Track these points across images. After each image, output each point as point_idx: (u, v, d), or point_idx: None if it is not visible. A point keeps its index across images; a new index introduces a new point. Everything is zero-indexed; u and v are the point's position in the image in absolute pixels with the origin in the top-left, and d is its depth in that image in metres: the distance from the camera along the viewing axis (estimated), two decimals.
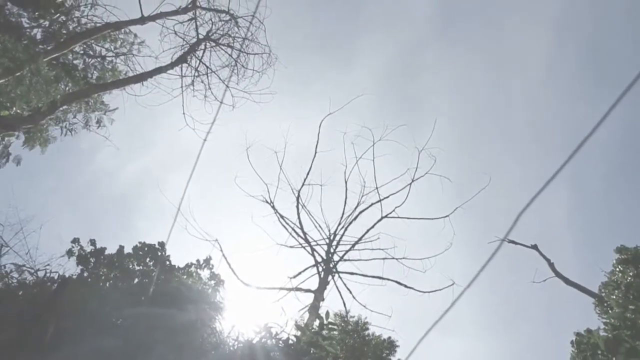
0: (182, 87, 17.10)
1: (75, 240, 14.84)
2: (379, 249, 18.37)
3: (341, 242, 18.71)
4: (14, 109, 14.15)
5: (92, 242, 15.05)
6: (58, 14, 14.20)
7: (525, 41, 36.21)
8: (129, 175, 37.13)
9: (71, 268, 14.40)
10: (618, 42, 34.10)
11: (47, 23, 14.36)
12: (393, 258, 18.16)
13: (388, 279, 17.87)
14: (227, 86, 17.05)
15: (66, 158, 31.50)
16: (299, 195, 18.82)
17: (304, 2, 33.48)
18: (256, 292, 17.48)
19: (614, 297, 16.25)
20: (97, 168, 34.79)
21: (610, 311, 15.44)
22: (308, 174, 18.95)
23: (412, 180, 18.80)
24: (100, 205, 36.77)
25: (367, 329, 20.12)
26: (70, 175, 35.03)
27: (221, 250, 16.76)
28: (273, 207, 18.84)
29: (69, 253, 14.34)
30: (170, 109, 17.44)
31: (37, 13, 13.20)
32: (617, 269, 17.23)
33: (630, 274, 16.33)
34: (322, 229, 18.79)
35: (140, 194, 40.38)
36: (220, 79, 17.41)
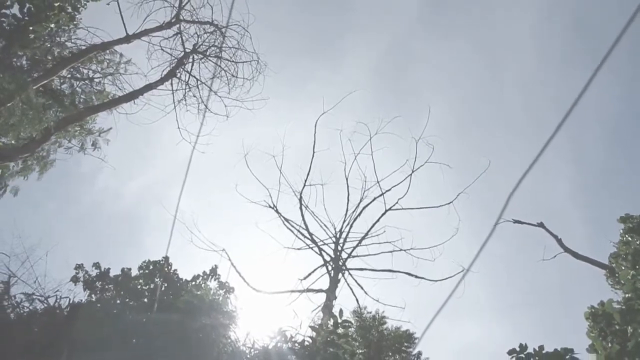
0: (174, 102, 17.10)
1: (79, 267, 14.53)
2: (386, 242, 18.38)
3: (348, 239, 18.72)
4: (8, 139, 14.17)
5: (97, 265, 14.75)
6: (34, 50, 14.22)
7: (514, 23, 36.13)
8: (132, 194, 37.20)
9: (80, 292, 14.33)
10: (605, 12, 33.99)
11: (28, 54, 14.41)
12: (401, 250, 18.17)
13: (398, 271, 17.92)
14: (211, 89, 16.98)
15: (67, 182, 31.53)
16: (301, 197, 18.86)
17: (290, 3, 33.47)
18: (267, 297, 17.53)
19: (624, 267, 16.16)
20: (99, 189, 34.86)
21: (622, 282, 15.37)
22: (308, 174, 18.95)
23: (412, 171, 18.81)
24: (105, 226, 36.84)
25: (385, 323, 20.06)
26: (72, 198, 35.09)
27: (229, 259, 16.79)
28: (277, 211, 18.88)
29: (74, 279, 14.07)
30: (166, 125, 17.41)
31: (11, 50, 13.26)
32: (624, 239, 17.08)
33: (638, 242, 16.20)
34: (327, 228, 18.84)
35: (144, 211, 40.46)
36: (210, 88, 17.40)
